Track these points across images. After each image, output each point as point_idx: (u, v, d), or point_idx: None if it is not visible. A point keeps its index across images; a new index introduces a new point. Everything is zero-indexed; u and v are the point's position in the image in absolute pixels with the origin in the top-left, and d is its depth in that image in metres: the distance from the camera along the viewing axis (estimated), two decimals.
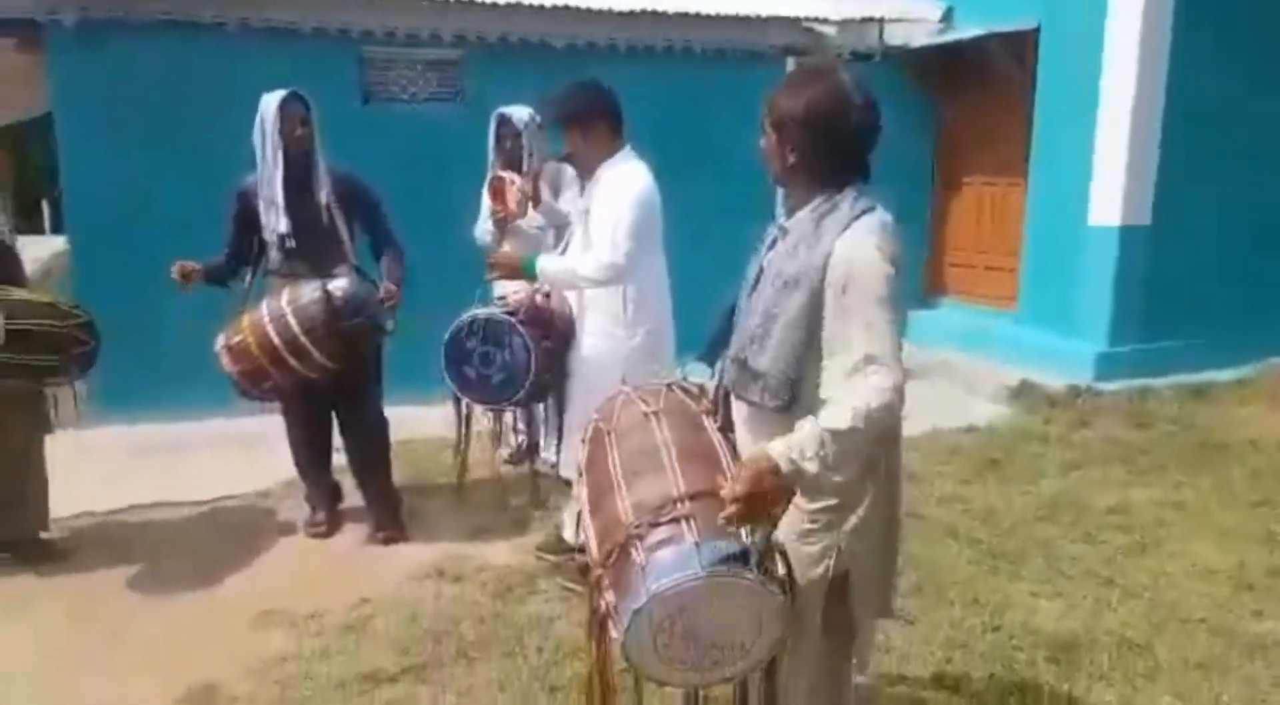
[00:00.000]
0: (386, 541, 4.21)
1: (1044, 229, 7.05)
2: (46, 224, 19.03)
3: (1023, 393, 6.37)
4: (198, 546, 4.18)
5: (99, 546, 4.16)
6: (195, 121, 5.91)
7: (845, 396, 1.82)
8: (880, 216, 1.96)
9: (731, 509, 1.75)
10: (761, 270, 2.09)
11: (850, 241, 1.90)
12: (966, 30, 7.46)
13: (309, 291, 3.81)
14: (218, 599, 3.73)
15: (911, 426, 5.91)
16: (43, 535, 4.11)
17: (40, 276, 5.26)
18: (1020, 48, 7.10)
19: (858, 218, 1.93)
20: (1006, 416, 6.06)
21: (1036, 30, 6.94)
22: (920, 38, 7.78)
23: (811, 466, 1.77)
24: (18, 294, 3.70)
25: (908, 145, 7.78)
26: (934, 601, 3.56)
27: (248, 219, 4.02)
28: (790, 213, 2.07)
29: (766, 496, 1.77)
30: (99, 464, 5.14)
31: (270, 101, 3.88)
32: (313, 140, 3.95)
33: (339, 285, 3.82)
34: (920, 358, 7.42)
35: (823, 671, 2.08)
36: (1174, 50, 6.30)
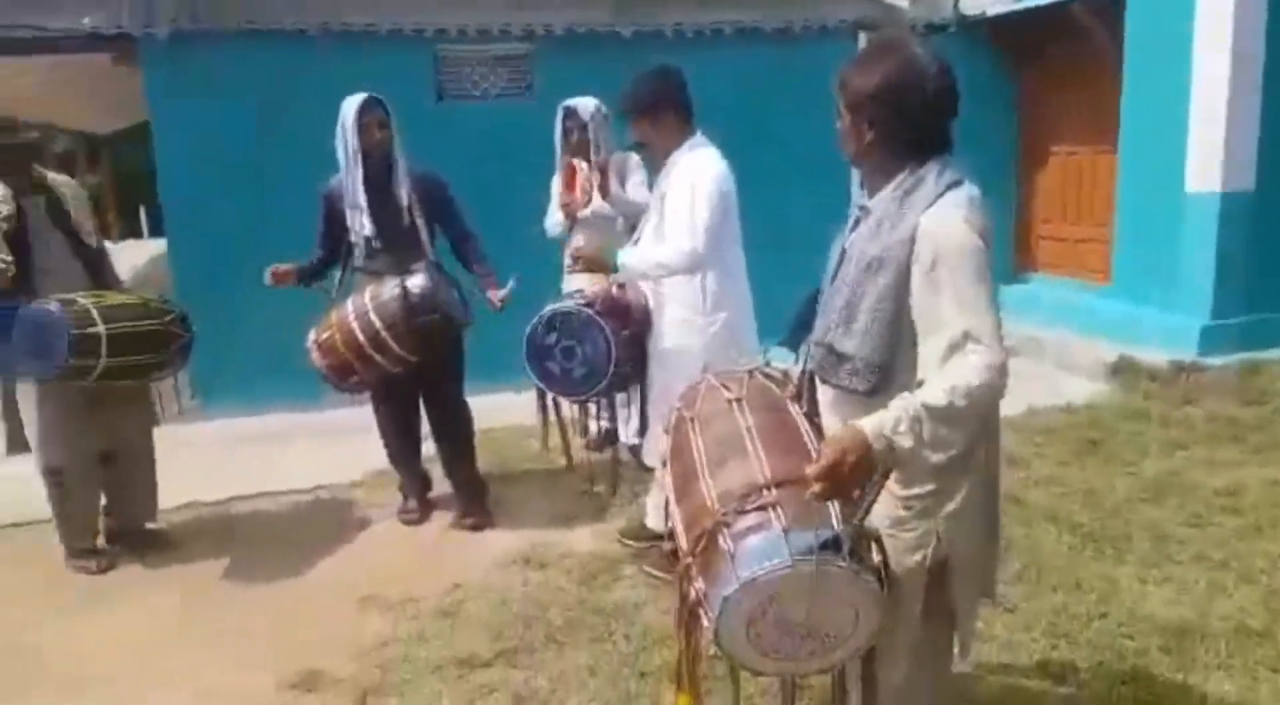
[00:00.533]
0: (474, 528, 4.28)
1: (1138, 198, 6.76)
2: (145, 229, 19.87)
3: (1121, 369, 6.13)
4: (297, 534, 4.31)
5: (204, 536, 4.32)
6: (281, 124, 6.08)
7: (943, 375, 1.76)
8: (968, 190, 1.88)
9: (816, 487, 1.71)
10: (844, 253, 2.03)
11: (936, 217, 1.83)
12: None
13: (389, 288, 3.88)
14: (317, 585, 3.84)
15: (1005, 405, 5.76)
16: (150, 526, 4.28)
17: (139, 280, 5.47)
18: (1105, 8, 6.81)
19: (943, 193, 1.86)
20: (1105, 394, 5.85)
21: None
22: (998, 5, 7.54)
23: (905, 441, 1.71)
24: (112, 298, 3.83)
25: (989, 117, 7.59)
26: (1035, 588, 3.45)
27: (334, 220, 4.12)
28: (872, 192, 2.00)
29: (849, 471, 1.71)
30: (203, 456, 5.34)
31: (349, 106, 3.95)
32: (391, 142, 4.01)
33: (416, 282, 3.88)
34: (1011, 335, 7.22)
35: (922, 660, 2.02)
36: (1273, 1, 5.97)
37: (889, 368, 1.90)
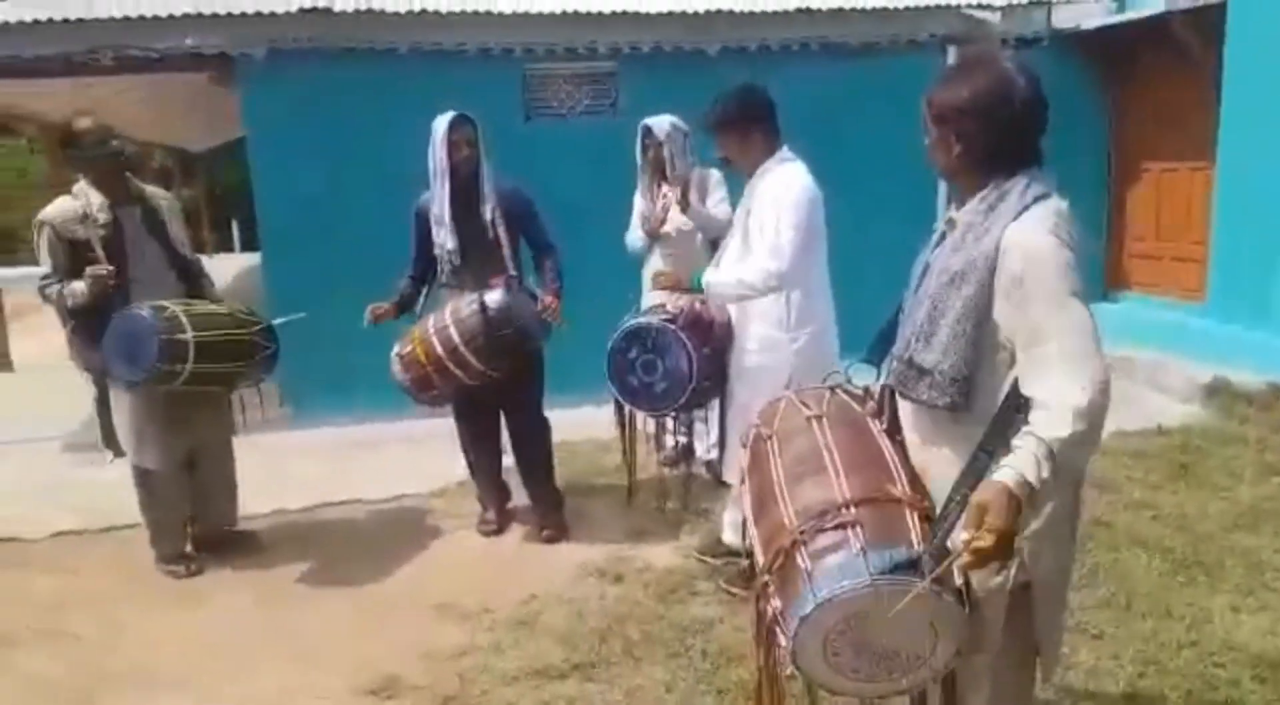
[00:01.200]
0: (549, 540, 4.33)
1: (1236, 215, 6.51)
2: (237, 243, 20.58)
3: (1216, 391, 5.92)
4: (378, 542, 4.41)
5: (289, 542, 4.44)
6: (373, 141, 6.24)
7: (1055, 398, 1.72)
8: (1056, 203, 1.85)
9: (988, 551, 1.66)
10: (928, 266, 2.01)
11: (1023, 229, 1.81)
12: (1145, 8, 7.00)
13: (468, 304, 3.95)
14: (396, 592, 3.92)
15: None
16: (238, 529, 4.41)
17: (232, 293, 5.66)
18: (1204, 22, 6.61)
19: (1030, 205, 1.83)
20: (1199, 417, 5.66)
21: (1223, 3, 6.45)
22: (1092, 19, 7.37)
23: (1046, 477, 1.68)
24: (202, 308, 3.96)
25: (1080, 132, 7.41)
26: (1124, 614, 3.36)
27: (426, 236, 4.21)
28: (960, 206, 1.99)
29: (1008, 526, 1.67)
30: (291, 465, 5.49)
31: (440, 123, 4.05)
32: (478, 160, 4.10)
33: (494, 298, 3.95)
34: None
35: (1005, 684, 1.98)
36: None
37: (970, 382, 1.87)
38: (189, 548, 4.26)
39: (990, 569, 1.88)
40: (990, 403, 1.84)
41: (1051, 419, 1.70)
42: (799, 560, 1.78)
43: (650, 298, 4.55)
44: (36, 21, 6.09)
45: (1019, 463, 1.69)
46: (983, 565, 1.70)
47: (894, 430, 2.09)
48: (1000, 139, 1.89)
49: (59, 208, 3.87)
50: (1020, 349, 1.81)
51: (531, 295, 4.24)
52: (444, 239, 4.13)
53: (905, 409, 2.07)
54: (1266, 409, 5.59)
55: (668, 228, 4.75)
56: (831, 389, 2.18)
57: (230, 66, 6.41)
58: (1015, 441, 1.73)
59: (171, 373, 3.71)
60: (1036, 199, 1.85)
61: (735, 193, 3.94)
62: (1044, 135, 1.93)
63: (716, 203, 4.76)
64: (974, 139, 1.91)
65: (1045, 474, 1.67)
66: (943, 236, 2.02)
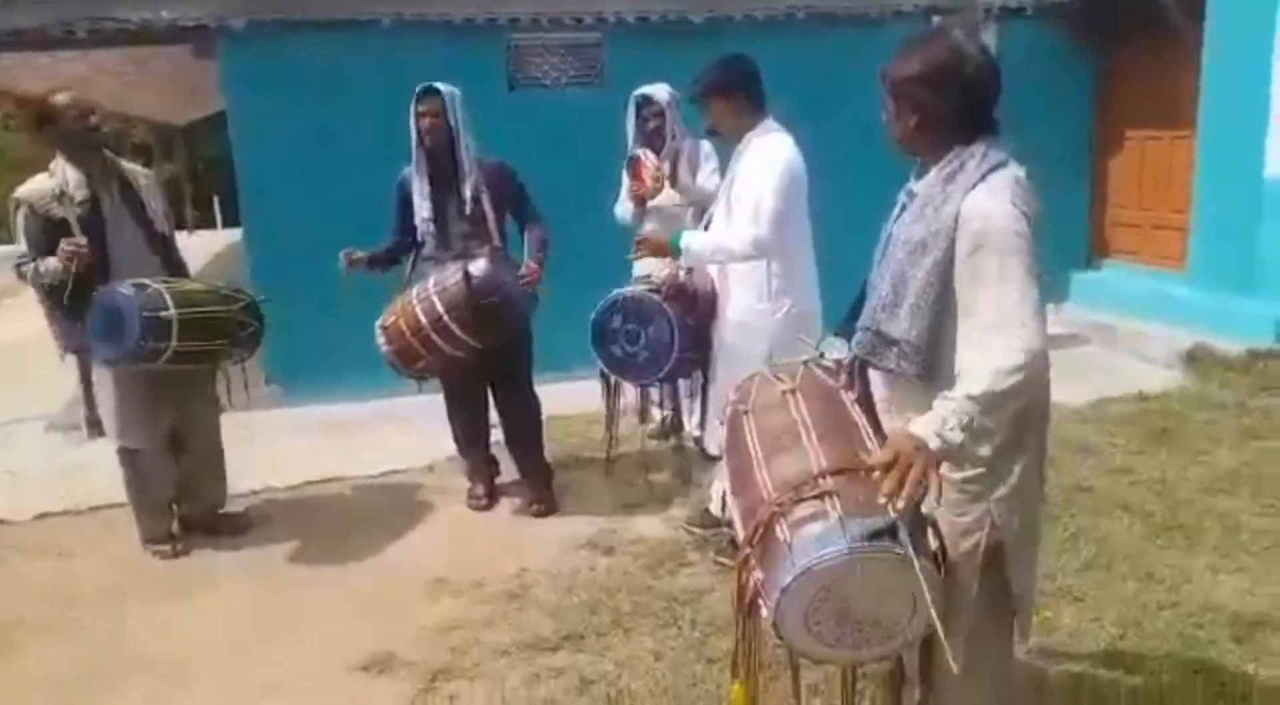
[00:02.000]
0: (539, 514, 4.35)
1: (1216, 183, 6.56)
2: (218, 218, 20.37)
3: (1196, 358, 6.00)
4: (369, 519, 4.42)
5: (278, 521, 4.44)
6: (356, 114, 6.19)
7: (979, 360, 1.78)
8: (1013, 171, 1.90)
9: (887, 485, 1.71)
10: (890, 237, 2.05)
11: (979, 198, 1.85)
12: None
13: (452, 274, 3.94)
14: (388, 569, 3.93)
15: (1077, 394, 5.69)
16: (226, 510, 4.40)
17: (215, 269, 5.62)
18: None
19: (987, 174, 1.87)
20: (1179, 383, 5.74)
21: None
22: None
23: (956, 436, 1.73)
24: (184, 285, 3.92)
25: (1064, 100, 7.41)
26: (1105, 577, 3.42)
27: (406, 207, 4.22)
28: (919, 177, 2.03)
29: (914, 470, 1.71)
30: (278, 443, 5.49)
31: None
32: (451, 131, 4.08)
33: (478, 266, 3.93)
34: (1084, 322, 7.11)
35: (981, 647, 2.02)
36: None
37: (937, 349, 1.92)
38: (175, 528, 4.24)
39: (963, 531, 1.94)
40: (957, 367, 1.87)
41: (970, 379, 1.76)
42: (778, 531, 1.80)
43: (638, 267, 4.55)
44: None
45: (931, 416, 1.75)
46: (895, 492, 1.68)
47: (864, 400, 2.12)
48: (954, 107, 1.93)
49: (35, 186, 3.81)
50: (963, 315, 1.87)
51: (515, 266, 4.23)
52: (424, 210, 4.15)
53: (875, 378, 2.12)
54: (1245, 374, 5.67)
55: (657, 200, 4.74)
56: (806, 363, 2.21)
57: (210, 39, 6.32)
58: (936, 401, 1.78)
59: (154, 351, 3.68)
60: (994, 167, 1.88)
61: (725, 164, 3.93)
62: (998, 104, 1.96)
63: (708, 175, 4.74)
64: (928, 109, 1.94)
65: (954, 425, 1.72)
66: (904, 208, 2.05)
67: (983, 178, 1.87)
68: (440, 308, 3.88)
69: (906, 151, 2.06)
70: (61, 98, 3.84)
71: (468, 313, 3.88)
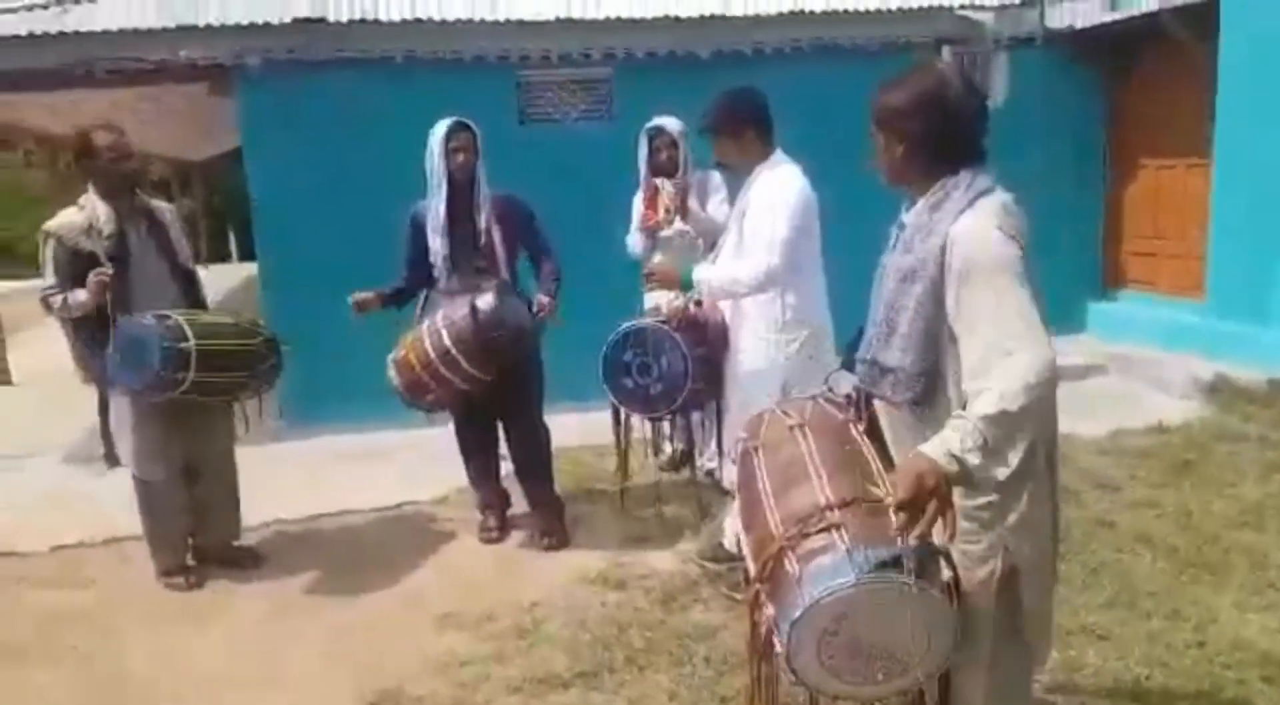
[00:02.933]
0: (550, 547, 4.31)
1: (1233, 212, 6.51)
2: (234, 252, 20.60)
3: (1218, 389, 5.92)
4: (379, 552, 4.38)
5: (289, 553, 4.41)
6: (369, 150, 6.25)
7: (991, 382, 1.76)
8: (999, 197, 1.92)
9: (902, 519, 1.70)
10: (885, 268, 2.08)
11: (965, 224, 1.87)
12: (1137, 6, 7.00)
13: (460, 307, 3.95)
14: (398, 602, 3.89)
15: (1096, 426, 5.61)
16: (238, 543, 4.38)
17: (230, 302, 5.66)
18: (1197, 19, 6.61)
19: (973, 201, 1.90)
20: (1199, 414, 5.65)
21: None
22: (1086, 18, 7.38)
23: (973, 458, 1.72)
24: (204, 317, 3.97)
25: (1077, 130, 7.41)
26: (1129, 614, 3.34)
27: (420, 242, 4.22)
28: (909, 208, 2.06)
29: (930, 498, 1.70)
30: (290, 475, 5.46)
31: (437, 130, 4.06)
32: (476, 166, 4.10)
33: (484, 301, 3.94)
34: (1101, 352, 7.05)
35: (1001, 679, 1.99)
36: None
37: (931, 377, 1.93)
38: (190, 560, 4.23)
39: (977, 559, 1.91)
40: (952, 394, 1.89)
41: (983, 399, 1.75)
42: (787, 565, 1.81)
43: (648, 299, 4.55)
44: (33, 35, 6.11)
45: (945, 437, 1.74)
46: (912, 527, 1.71)
47: (873, 432, 2.13)
48: (939, 138, 1.96)
49: (65, 219, 3.88)
50: (964, 340, 1.86)
51: (527, 302, 4.22)
52: (439, 245, 4.14)
53: (880, 407, 2.12)
54: (1268, 406, 5.58)
55: (668, 231, 4.74)
56: (814, 398, 2.24)
57: (226, 77, 6.41)
58: (949, 420, 1.78)
59: (173, 381, 3.70)
60: (980, 194, 1.91)
61: (733, 196, 3.93)
62: (985, 134, 1.99)
63: (717, 205, 4.75)
64: (915, 139, 1.98)
65: (970, 446, 1.71)
66: (896, 239, 2.08)
67: (969, 204, 1.90)
68: (448, 341, 3.89)
69: (895, 183, 2.09)
70: (102, 137, 3.91)
71: (475, 347, 3.89)
